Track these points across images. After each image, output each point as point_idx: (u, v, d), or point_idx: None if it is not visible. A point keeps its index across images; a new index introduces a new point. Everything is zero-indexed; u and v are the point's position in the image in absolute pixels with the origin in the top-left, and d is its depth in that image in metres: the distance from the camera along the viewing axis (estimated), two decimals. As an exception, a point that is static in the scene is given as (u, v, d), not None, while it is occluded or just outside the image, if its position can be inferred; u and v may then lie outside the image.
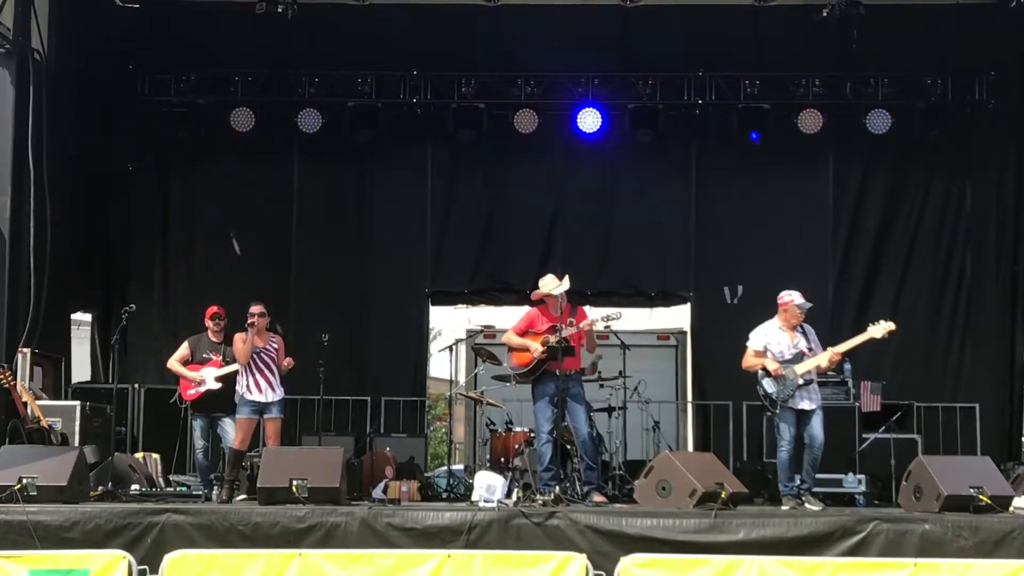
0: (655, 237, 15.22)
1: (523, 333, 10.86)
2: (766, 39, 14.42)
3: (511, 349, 11.07)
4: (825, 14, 12.66)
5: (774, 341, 10.62)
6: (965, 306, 14.87)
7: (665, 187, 15.31)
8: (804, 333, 10.65)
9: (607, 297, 14.84)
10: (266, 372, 10.82)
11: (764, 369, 10.54)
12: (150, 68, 14.72)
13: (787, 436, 10.49)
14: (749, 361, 10.66)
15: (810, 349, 10.55)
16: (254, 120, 14.57)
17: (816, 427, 10.46)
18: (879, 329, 10.47)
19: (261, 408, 10.79)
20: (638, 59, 14.71)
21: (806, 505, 10.25)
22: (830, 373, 12.30)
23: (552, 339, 10.59)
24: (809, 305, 10.66)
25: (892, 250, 14.95)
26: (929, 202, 14.98)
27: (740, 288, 15.01)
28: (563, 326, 10.55)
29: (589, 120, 14.51)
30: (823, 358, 10.50)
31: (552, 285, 10.77)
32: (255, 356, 10.82)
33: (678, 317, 16.08)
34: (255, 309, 10.81)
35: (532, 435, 12.10)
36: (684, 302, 15.49)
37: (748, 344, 10.72)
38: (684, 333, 15.91)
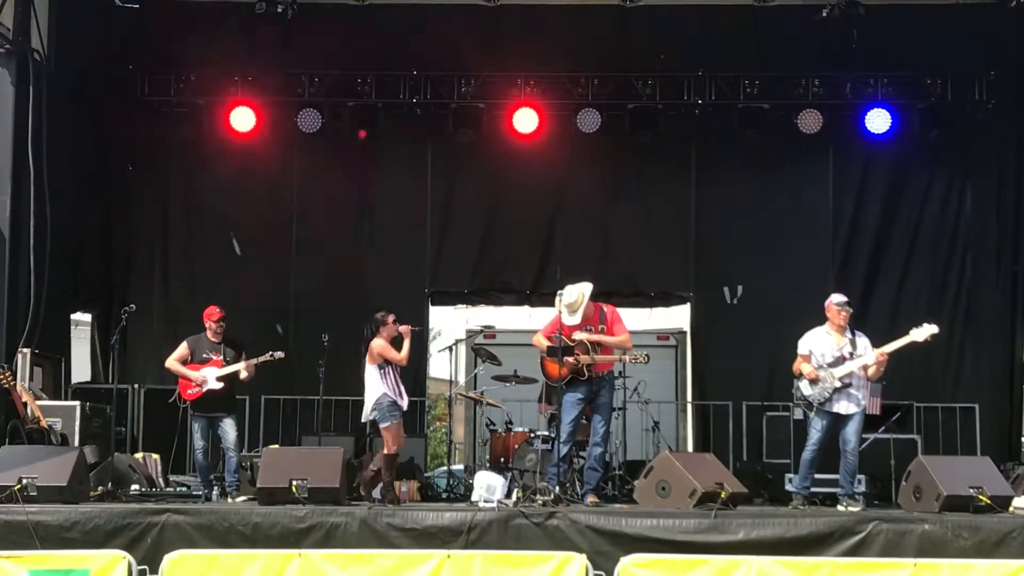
0: (655, 237, 15.21)
1: (551, 336, 10.78)
2: (766, 39, 14.41)
3: (543, 356, 10.97)
4: (825, 14, 12.65)
5: (818, 345, 10.64)
6: (965, 306, 14.86)
7: (665, 187, 15.31)
8: (853, 338, 10.61)
9: (607, 297, 14.62)
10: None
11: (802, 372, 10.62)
12: (150, 68, 14.71)
13: (815, 437, 10.58)
14: (796, 365, 10.70)
15: (852, 354, 10.54)
16: (254, 120, 14.57)
17: (850, 431, 10.50)
18: (922, 332, 10.49)
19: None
20: (638, 59, 14.71)
21: (842, 507, 10.28)
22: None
23: (584, 360, 10.59)
24: (844, 299, 10.70)
25: (892, 250, 14.94)
26: (929, 202, 14.97)
27: (740, 288, 15.01)
28: (582, 352, 10.59)
29: (590, 120, 14.50)
30: (863, 361, 10.47)
31: (560, 308, 10.68)
32: None
33: (678, 317, 16.08)
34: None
35: (532, 435, 12.13)
36: (684, 302, 15.48)
37: (798, 349, 10.76)
38: (684, 333, 15.92)
